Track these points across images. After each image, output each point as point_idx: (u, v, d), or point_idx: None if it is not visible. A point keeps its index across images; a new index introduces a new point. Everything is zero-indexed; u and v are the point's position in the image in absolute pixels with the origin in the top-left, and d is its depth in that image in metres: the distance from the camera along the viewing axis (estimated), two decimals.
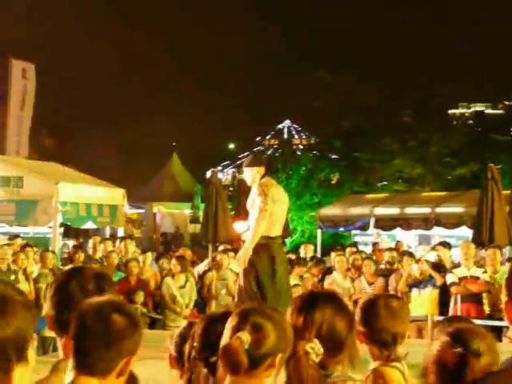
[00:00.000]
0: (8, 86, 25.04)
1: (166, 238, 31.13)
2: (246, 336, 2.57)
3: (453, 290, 11.67)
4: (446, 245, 14.34)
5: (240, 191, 20.28)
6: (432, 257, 13.94)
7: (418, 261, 12.83)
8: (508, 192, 16.42)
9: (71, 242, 20.15)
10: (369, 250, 21.20)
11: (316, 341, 3.01)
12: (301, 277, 13.12)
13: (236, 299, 8.97)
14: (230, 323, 2.67)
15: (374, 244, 19.99)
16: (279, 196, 8.84)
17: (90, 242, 15.11)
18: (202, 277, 13.49)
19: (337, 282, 12.55)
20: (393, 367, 3.73)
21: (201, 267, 14.60)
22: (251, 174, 8.87)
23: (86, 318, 2.60)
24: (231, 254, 14.08)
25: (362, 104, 33.57)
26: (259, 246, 8.55)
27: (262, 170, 8.85)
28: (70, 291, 3.07)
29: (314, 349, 2.98)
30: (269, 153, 46.25)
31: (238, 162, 60.87)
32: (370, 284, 12.77)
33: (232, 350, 2.56)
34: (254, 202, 8.67)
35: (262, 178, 8.78)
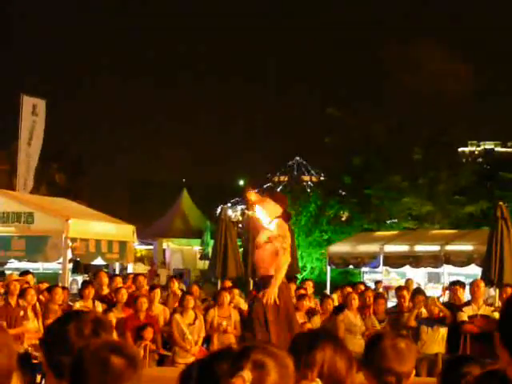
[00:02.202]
0: (19, 123, 25.26)
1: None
2: (247, 374, 2.54)
3: (464, 328, 11.61)
4: (462, 284, 14.29)
5: (249, 228, 20.27)
6: (447, 297, 13.87)
7: (427, 298, 12.79)
8: None
9: (80, 278, 20.15)
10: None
11: (318, 380, 2.99)
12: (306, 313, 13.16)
13: (245, 334, 8.98)
14: (232, 361, 2.65)
15: (377, 282, 19.88)
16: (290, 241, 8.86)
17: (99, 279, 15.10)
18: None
19: (349, 319, 12.50)
20: None
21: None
22: (271, 209, 8.83)
23: (83, 361, 2.55)
24: (236, 291, 14.12)
25: (372, 140, 33.62)
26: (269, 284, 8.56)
27: (279, 210, 8.82)
28: (66, 334, 3.03)
29: None
30: (278, 189, 46.26)
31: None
32: (381, 322, 12.74)
33: None
34: (271, 239, 8.68)
35: (276, 217, 8.75)
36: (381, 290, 17.67)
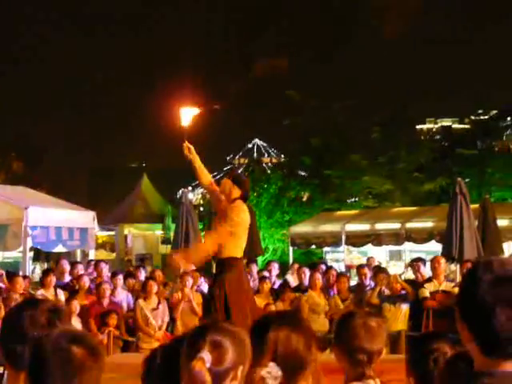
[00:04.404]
0: None
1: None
2: (206, 355, 2.54)
3: (426, 304, 11.70)
4: (423, 260, 14.40)
5: (211, 211, 20.24)
6: (410, 274, 13.94)
7: (389, 276, 12.86)
8: (476, 206, 16.53)
9: (39, 267, 20.00)
10: (340, 266, 21.25)
11: (272, 364, 2.97)
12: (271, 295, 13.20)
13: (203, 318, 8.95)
14: (188, 342, 2.64)
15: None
16: (247, 221, 8.71)
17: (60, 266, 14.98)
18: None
19: (313, 299, 12.55)
20: None
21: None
22: (225, 188, 8.68)
23: (43, 351, 2.52)
24: (198, 274, 14.08)
25: (331, 121, 33.75)
26: (228, 266, 8.51)
27: (236, 191, 8.67)
28: (20, 323, 2.99)
29: (271, 373, 2.94)
30: (239, 172, 46.26)
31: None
32: (344, 300, 12.80)
33: (195, 371, 2.55)
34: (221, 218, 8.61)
35: (233, 199, 8.62)
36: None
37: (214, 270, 14.80)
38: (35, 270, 19.56)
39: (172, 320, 12.58)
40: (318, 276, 13.06)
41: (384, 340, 3.82)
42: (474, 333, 2.16)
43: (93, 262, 16.53)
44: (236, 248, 8.55)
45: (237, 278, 8.49)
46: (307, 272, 14.44)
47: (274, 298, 13.18)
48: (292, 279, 15.91)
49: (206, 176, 8.85)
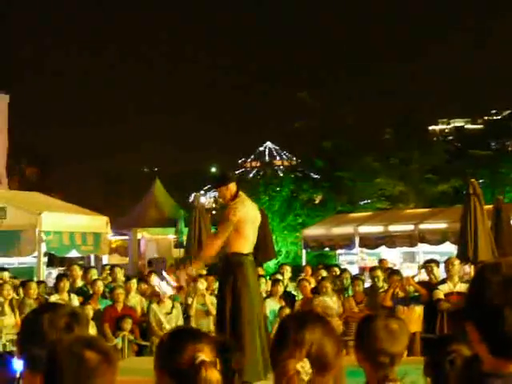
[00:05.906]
0: None
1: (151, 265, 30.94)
2: (306, 365, 2.62)
3: (440, 306, 11.65)
4: (436, 262, 14.35)
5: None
6: (424, 275, 13.91)
7: (403, 278, 12.82)
8: (490, 207, 16.48)
9: (56, 271, 20.06)
10: (354, 268, 21.21)
11: (306, 360, 2.98)
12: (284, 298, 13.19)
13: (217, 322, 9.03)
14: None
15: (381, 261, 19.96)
16: (251, 215, 8.75)
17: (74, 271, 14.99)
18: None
19: (324, 302, 12.51)
20: None
21: None
22: (222, 194, 8.82)
23: (58, 355, 2.54)
24: (212, 277, 14.04)
25: (343, 123, 33.70)
26: (234, 263, 8.54)
27: (232, 186, 8.76)
28: (40, 326, 3.01)
29: (305, 368, 2.96)
30: (251, 175, 46.27)
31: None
32: (359, 303, 12.77)
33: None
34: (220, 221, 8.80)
35: (235, 194, 8.70)
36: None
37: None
38: (50, 274, 19.62)
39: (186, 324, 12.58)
40: (327, 284, 13.00)
41: (406, 342, 3.80)
42: (482, 334, 2.16)
43: (107, 267, 16.58)
44: (240, 244, 8.56)
45: (242, 278, 8.48)
46: (324, 274, 14.50)
47: (287, 301, 13.16)
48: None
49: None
